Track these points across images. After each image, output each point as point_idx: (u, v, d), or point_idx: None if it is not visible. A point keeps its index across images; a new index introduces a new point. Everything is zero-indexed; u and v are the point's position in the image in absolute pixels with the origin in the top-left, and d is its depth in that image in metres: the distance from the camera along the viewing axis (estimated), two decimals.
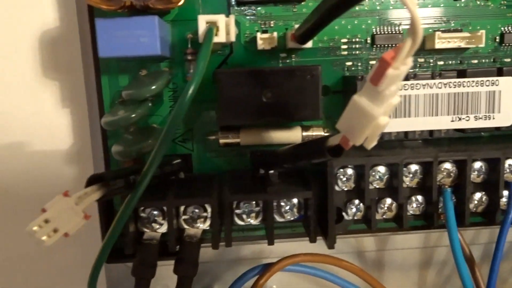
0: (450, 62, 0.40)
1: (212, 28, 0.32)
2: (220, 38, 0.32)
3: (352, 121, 0.24)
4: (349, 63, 0.40)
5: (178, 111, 0.28)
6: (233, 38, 0.33)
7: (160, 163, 0.28)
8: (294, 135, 0.37)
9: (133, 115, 0.34)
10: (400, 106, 0.36)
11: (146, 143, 0.35)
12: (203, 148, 0.40)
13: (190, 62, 0.38)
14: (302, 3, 0.38)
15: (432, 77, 0.36)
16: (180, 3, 0.33)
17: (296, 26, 0.37)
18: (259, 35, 0.37)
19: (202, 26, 0.32)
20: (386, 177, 0.36)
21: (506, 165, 0.36)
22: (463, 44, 0.38)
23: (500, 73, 0.36)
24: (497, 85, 0.36)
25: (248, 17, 0.38)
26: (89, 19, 0.38)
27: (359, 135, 0.24)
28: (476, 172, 0.36)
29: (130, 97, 0.34)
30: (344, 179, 0.36)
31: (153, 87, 0.34)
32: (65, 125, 0.46)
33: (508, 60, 0.40)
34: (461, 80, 0.36)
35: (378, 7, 0.39)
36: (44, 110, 0.47)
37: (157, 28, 0.33)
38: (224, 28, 0.32)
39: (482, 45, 0.38)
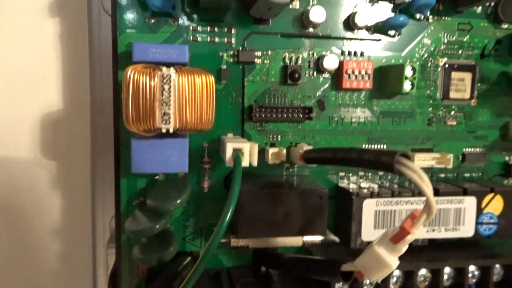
0: None
1: (240, 155, 0.36)
2: (244, 162, 0.37)
3: (370, 263, 0.30)
4: (342, 174, 0.45)
5: (217, 237, 0.32)
6: (255, 163, 0.37)
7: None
8: (296, 241, 0.41)
9: (157, 226, 0.37)
10: (386, 218, 0.42)
11: (167, 251, 0.37)
12: None
13: (206, 170, 0.42)
14: (306, 121, 0.44)
15: (413, 195, 0.43)
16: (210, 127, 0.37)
17: (303, 145, 0.42)
18: (270, 150, 0.42)
19: (229, 152, 0.36)
20: (374, 283, 0.41)
21: (470, 271, 0.43)
22: (434, 164, 0.45)
23: (465, 193, 0.44)
24: (462, 203, 0.44)
25: (258, 132, 0.43)
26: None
27: (375, 274, 0.30)
28: (446, 276, 0.43)
29: (155, 209, 0.37)
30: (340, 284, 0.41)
31: (178, 201, 0.37)
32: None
33: (468, 175, 0.48)
34: (435, 198, 0.43)
35: (368, 128, 0.45)
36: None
37: (187, 149, 0.37)
38: (248, 153, 0.37)
39: (450, 166, 0.45)
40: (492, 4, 0.46)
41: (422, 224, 0.27)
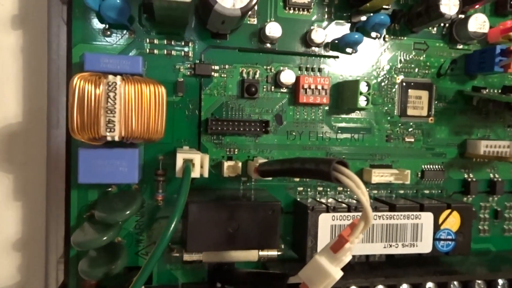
0: (382, 191, 0.47)
1: (189, 165, 0.36)
2: (195, 173, 0.36)
3: (313, 274, 0.29)
4: (300, 188, 0.45)
5: (162, 244, 0.31)
6: (206, 174, 0.37)
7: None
8: (251, 255, 0.41)
9: (104, 238, 0.36)
10: None
11: (115, 265, 0.36)
12: (164, 261, 0.42)
13: (159, 183, 0.41)
14: (264, 135, 0.44)
15: None
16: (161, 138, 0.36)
17: (259, 158, 0.42)
18: (225, 163, 0.41)
19: (179, 163, 0.36)
20: None
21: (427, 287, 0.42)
22: (392, 179, 0.45)
23: (422, 208, 0.44)
24: (419, 218, 0.44)
25: (215, 144, 0.43)
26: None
27: (318, 286, 0.29)
28: None
29: (103, 220, 0.36)
30: None
31: (127, 212, 0.36)
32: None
33: (427, 191, 0.49)
34: (392, 213, 0.43)
35: (326, 143, 0.45)
36: None
37: (137, 160, 0.36)
38: (199, 164, 0.36)
39: (408, 182, 0.45)
40: (447, 25, 0.47)
41: (361, 233, 0.27)
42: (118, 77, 0.32)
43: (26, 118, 0.50)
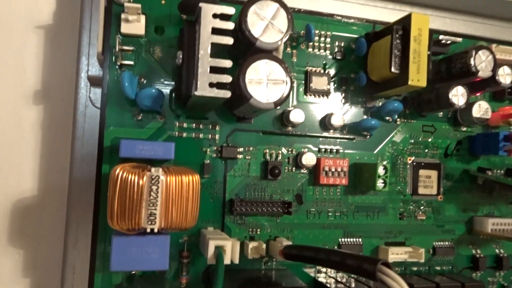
0: (396, 268, 0.48)
1: (221, 252, 0.36)
2: (226, 260, 0.37)
3: None
4: (319, 267, 0.46)
5: None
6: (236, 260, 0.37)
7: None
8: None
9: None
10: None
11: None
12: None
13: (184, 265, 0.41)
14: (285, 215, 0.45)
15: None
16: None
17: (282, 240, 0.43)
18: (250, 245, 0.42)
19: (211, 250, 0.37)
20: None
21: None
22: (407, 258, 0.47)
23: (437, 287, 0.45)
24: None
25: (238, 225, 0.44)
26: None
27: None
28: None
29: None
30: None
31: None
32: None
33: (439, 268, 0.50)
34: None
35: (344, 221, 0.47)
36: None
37: (168, 247, 0.36)
38: (230, 250, 0.37)
39: (422, 261, 0.47)
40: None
41: None
42: (160, 170, 0.33)
43: (43, 194, 0.50)
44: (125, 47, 0.41)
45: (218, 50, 0.36)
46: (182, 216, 0.34)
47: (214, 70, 0.35)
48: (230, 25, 0.36)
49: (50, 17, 0.51)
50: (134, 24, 0.41)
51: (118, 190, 0.33)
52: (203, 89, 0.35)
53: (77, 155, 0.47)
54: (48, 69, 0.51)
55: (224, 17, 0.36)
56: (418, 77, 0.41)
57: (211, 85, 0.35)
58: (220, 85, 0.35)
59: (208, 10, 0.35)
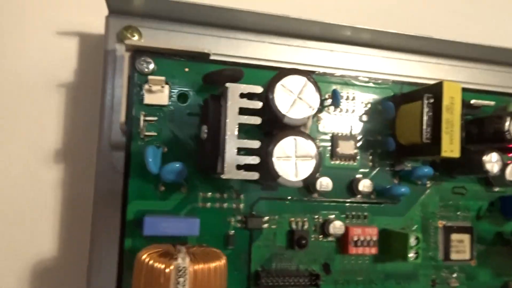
0: None
1: None
2: None
3: None
4: None
5: None
6: None
7: None
8: None
9: None
10: None
11: None
12: None
13: None
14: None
15: None
16: None
17: None
18: None
19: None
20: None
21: None
22: None
23: None
24: None
25: None
26: None
27: None
28: None
29: None
30: None
31: None
32: None
33: None
34: None
35: None
36: None
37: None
38: None
39: None
40: None
41: None
42: (187, 260, 0.32)
43: (63, 258, 0.49)
44: (148, 118, 0.40)
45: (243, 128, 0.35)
46: None
47: (241, 150, 0.34)
48: (258, 105, 0.35)
49: (71, 76, 0.51)
50: (158, 95, 0.40)
51: (144, 278, 0.32)
52: (229, 172, 0.33)
53: (99, 220, 0.45)
54: (68, 129, 0.50)
55: (251, 96, 0.35)
56: (451, 147, 0.39)
57: (239, 167, 0.34)
58: (248, 167, 0.34)
59: (235, 90, 0.34)
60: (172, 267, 0.31)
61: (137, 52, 0.41)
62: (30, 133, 0.49)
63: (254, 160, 0.34)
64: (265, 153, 0.35)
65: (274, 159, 0.35)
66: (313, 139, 0.36)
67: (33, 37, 0.50)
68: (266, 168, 0.35)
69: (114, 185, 0.46)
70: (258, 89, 0.35)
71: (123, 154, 0.44)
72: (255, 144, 0.34)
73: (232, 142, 0.34)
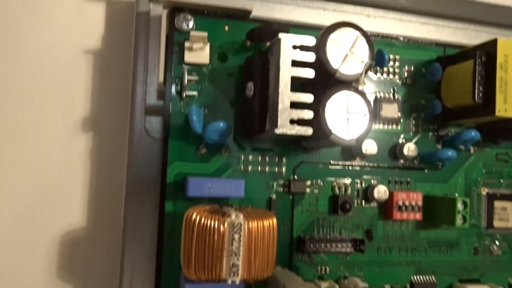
0: None
1: None
2: None
3: None
4: None
5: None
6: None
7: None
8: None
9: None
10: None
11: None
12: None
13: None
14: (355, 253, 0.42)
15: None
16: None
17: (358, 281, 0.40)
18: (321, 285, 0.39)
19: None
20: None
21: None
22: None
23: None
24: None
25: (306, 264, 0.41)
26: None
27: None
28: None
29: None
30: None
31: None
32: None
33: None
34: None
35: (416, 258, 0.44)
36: None
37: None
38: None
39: None
40: None
41: None
42: (241, 216, 0.31)
43: (94, 228, 0.47)
44: (189, 77, 0.38)
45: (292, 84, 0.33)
46: (264, 265, 0.31)
47: (294, 105, 0.33)
48: (311, 57, 0.33)
49: (99, 43, 0.49)
50: (198, 53, 0.39)
51: (196, 237, 0.30)
52: (284, 126, 0.32)
53: (133, 187, 0.44)
54: (98, 97, 0.48)
55: (303, 48, 0.33)
56: (505, 107, 0.38)
57: (292, 121, 0.32)
58: (301, 122, 0.32)
59: (288, 41, 0.32)
60: (226, 224, 0.30)
61: (175, 10, 0.39)
62: (59, 103, 0.48)
63: (308, 114, 0.32)
64: (317, 109, 0.33)
65: (326, 116, 0.34)
66: (365, 96, 0.35)
67: (60, 3, 0.48)
68: (318, 125, 0.33)
69: (148, 151, 0.45)
70: (312, 40, 0.33)
71: (159, 119, 0.43)
72: (309, 98, 0.33)
73: (285, 95, 0.32)
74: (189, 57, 0.38)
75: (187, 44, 0.38)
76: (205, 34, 0.37)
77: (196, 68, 0.39)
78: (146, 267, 0.42)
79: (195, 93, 0.39)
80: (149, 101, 0.44)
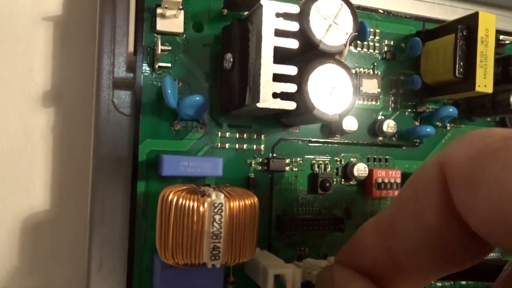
0: None
1: (283, 283, 0.32)
2: None
3: None
4: None
5: None
6: None
7: None
8: None
9: None
10: None
11: None
12: None
13: None
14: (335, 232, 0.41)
15: None
16: None
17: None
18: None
19: (271, 280, 0.32)
20: None
21: None
22: None
23: None
24: None
25: (285, 244, 0.40)
26: None
27: None
28: None
29: None
30: None
31: None
32: None
33: None
34: None
35: None
36: None
37: (222, 281, 0.32)
38: (291, 280, 0.33)
39: None
40: None
41: None
42: (222, 195, 0.29)
43: (58, 208, 0.44)
44: (162, 47, 0.35)
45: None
46: (246, 248, 0.30)
47: (276, 78, 0.31)
48: (295, 26, 0.31)
49: (60, 7, 0.45)
50: (172, 21, 0.36)
51: (173, 219, 0.28)
52: (266, 101, 0.30)
53: (100, 166, 0.41)
54: (60, 68, 0.45)
55: (287, 16, 0.31)
56: (485, 82, 0.37)
57: (275, 95, 0.30)
58: (284, 95, 0.31)
59: (271, 8, 0.30)
60: (206, 205, 0.28)
61: None
62: (16, 74, 0.44)
63: (292, 87, 0.31)
64: (299, 82, 0.32)
65: (309, 89, 0.32)
66: (349, 69, 0.33)
67: None
68: (300, 99, 0.32)
69: (117, 127, 0.42)
70: (295, 8, 0.31)
71: (129, 93, 0.40)
72: (292, 70, 0.31)
73: (267, 67, 0.30)
74: (161, 25, 0.35)
75: (159, 10, 0.35)
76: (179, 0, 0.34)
77: (169, 37, 0.36)
78: (116, 251, 0.40)
79: (168, 64, 0.36)
80: (117, 74, 0.41)
